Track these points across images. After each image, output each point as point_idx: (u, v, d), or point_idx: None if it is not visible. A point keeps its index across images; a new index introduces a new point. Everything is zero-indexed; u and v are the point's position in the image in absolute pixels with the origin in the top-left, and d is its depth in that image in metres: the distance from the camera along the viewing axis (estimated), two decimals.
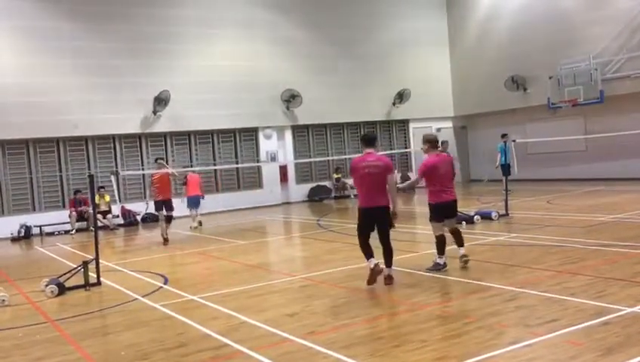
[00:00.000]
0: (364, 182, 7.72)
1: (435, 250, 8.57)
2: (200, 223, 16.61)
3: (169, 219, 14.05)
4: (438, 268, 8.38)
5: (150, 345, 6.03)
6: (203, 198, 16.97)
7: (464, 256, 8.45)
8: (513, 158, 16.22)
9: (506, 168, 16.84)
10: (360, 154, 8.01)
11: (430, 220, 8.63)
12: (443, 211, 8.46)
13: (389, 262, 7.85)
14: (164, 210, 13.82)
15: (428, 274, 8.28)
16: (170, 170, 14.40)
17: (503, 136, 17.98)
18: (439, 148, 8.99)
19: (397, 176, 24.92)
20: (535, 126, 22.58)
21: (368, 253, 7.71)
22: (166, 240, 13.72)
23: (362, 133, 24.15)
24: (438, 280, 8.02)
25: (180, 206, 15.86)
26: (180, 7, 20.39)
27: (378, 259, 7.72)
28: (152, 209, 15.78)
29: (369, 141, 8.02)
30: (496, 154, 18.54)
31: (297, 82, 21.95)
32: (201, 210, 16.89)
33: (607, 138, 18.24)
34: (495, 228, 12.34)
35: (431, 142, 8.57)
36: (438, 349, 5.23)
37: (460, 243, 8.57)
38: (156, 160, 15.33)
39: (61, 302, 8.42)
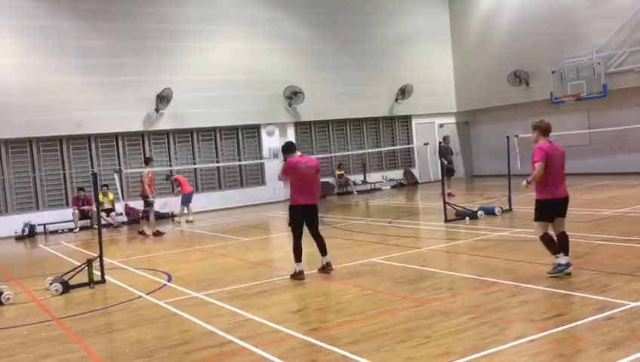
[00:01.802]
0: (305, 180, 8.40)
1: (548, 251, 7.47)
2: (179, 222, 17.58)
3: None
4: (560, 269, 7.19)
5: (154, 342, 6.05)
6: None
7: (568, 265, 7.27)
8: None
9: None
10: (295, 155, 8.65)
11: (535, 220, 7.47)
12: (554, 209, 7.39)
13: (324, 251, 8.62)
14: (153, 206, 15.15)
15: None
16: (150, 169, 15.22)
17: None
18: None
19: (390, 173, 24.96)
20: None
21: (300, 256, 8.48)
22: (160, 233, 14.86)
23: (364, 129, 24.26)
24: (442, 275, 8.02)
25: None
26: (181, 5, 20.35)
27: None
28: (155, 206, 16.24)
29: (294, 146, 8.81)
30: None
31: (299, 79, 21.93)
32: (205, 207, 17.01)
33: (610, 132, 18.19)
34: (499, 223, 12.32)
35: (541, 129, 7.52)
36: (443, 345, 5.23)
37: (566, 250, 7.31)
38: (148, 160, 15.62)
39: (66, 299, 8.45)
